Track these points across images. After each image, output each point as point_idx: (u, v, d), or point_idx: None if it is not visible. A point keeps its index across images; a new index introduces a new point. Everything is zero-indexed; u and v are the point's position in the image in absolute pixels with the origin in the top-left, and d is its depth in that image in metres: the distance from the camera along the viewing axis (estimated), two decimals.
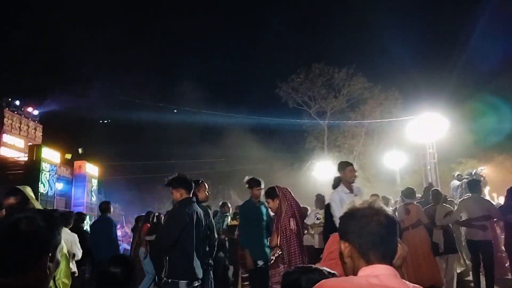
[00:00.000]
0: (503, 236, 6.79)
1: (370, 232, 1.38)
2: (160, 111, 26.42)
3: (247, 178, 5.32)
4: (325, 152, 26.62)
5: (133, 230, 9.12)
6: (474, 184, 6.60)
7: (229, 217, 7.87)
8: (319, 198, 7.53)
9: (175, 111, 24.55)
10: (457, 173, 11.57)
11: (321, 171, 24.19)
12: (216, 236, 5.02)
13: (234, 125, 26.26)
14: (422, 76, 24.23)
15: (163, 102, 29.30)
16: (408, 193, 6.92)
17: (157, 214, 8.36)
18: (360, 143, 26.07)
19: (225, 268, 7.70)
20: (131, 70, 32.50)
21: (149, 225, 7.93)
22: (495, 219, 6.56)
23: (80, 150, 20.73)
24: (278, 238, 4.45)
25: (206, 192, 4.84)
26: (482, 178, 9.76)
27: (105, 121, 31.81)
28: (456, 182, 10.46)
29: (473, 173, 10.50)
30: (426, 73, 24.54)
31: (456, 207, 6.69)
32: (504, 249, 6.63)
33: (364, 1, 34.13)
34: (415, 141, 17.22)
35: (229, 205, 8.44)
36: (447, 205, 7.00)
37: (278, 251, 4.46)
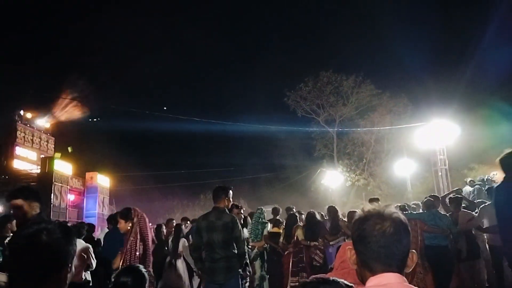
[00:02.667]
0: None
1: (372, 240, 1.34)
2: (169, 121, 26.62)
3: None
4: (334, 160, 26.55)
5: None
6: (427, 203, 6.62)
7: (269, 224, 7.68)
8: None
9: (184, 118, 24.71)
10: (469, 179, 11.45)
11: (331, 178, 24.12)
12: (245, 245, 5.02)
13: (243, 135, 26.37)
14: (431, 82, 24.14)
15: (172, 112, 29.51)
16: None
17: (155, 226, 8.41)
18: (369, 150, 25.95)
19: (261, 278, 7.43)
20: (140, 80, 32.85)
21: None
22: None
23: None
24: (121, 260, 4.31)
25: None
26: (494, 184, 9.65)
27: (115, 131, 32.14)
28: (468, 188, 10.34)
29: (485, 179, 10.39)
30: (435, 79, 24.43)
31: (477, 214, 6.66)
32: None
33: (371, 8, 34.19)
34: (425, 147, 17.10)
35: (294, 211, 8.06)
36: (468, 211, 6.98)
37: None
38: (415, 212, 7.01)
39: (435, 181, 16.23)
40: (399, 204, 8.03)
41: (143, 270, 2.55)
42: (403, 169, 20.14)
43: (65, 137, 23.51)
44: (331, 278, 1.85)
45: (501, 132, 21.57)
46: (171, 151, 28.07)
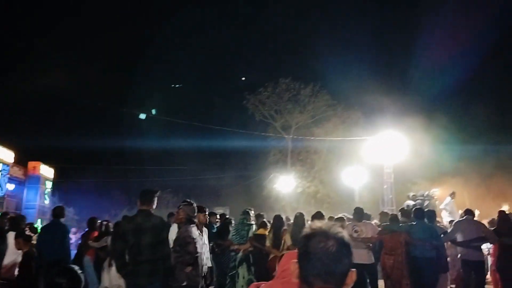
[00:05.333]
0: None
1: (315, 258, 1.38)
2: (125, 116, 25.89)
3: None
4: (288, 165, 26.96)
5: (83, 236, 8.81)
6: (419, 212, 6.95)
7: (254, 226, 7.58)
8: (358, 211, 7.40)
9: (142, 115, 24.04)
10: (411, 193, 12.05)
11: (284, 184, 24.50)
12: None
13: (198, 135, 26.09)
14: (382, 98, 25.15)
15: (128, 107, 28.68)
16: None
17: (105, 222, 8.16)
18: (321, 158, 26.61)
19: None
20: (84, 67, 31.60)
21: (97, 232, 7.70)
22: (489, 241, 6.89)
23: None
24: None
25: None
26: (433, 200, 10.24)
27: (64, 121, 30.73)
28: (410, 202, 10.88)
29: (425, 195, 10.99)
30: (386, 95, 25.49)
31: (452, 228, 7.01)
32: (494, 268, 6.98)
33: (332, 21, 35.17)
34: (373, 160, 17.80)
35: (252, 214, 7.97)
36: (441, 225, 7.39)
37: None
38: (402, 225, 7.15)
39: (381, 193, 16.92)
40: (392, 213, 8.03)
41: (79, 271, 2.46)
42: (352, 179, 20.82)
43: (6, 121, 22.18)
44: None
45: (444, 150, 22.91)
46: (123, 146, 27.17)
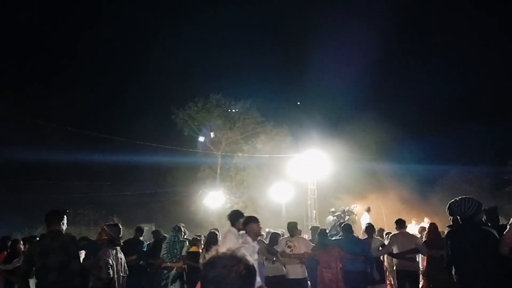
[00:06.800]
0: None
1: (229, 283, 1.36)
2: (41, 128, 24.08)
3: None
4: (217, 181, 26.93)
5: None
6: (346, 228, 7.30)
7: (187, 242, 7.29)
8: (291, 226, 7.29)
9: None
10: (332, 209, 12.70)
11: (213, 199, 24.39)
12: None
13: (122, 149, 25.17)
14: (308, 117, 26.44)
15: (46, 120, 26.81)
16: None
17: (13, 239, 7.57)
18: (250, 175, 26.98)
19: None
20: None
21: (5, 252, 7.11)
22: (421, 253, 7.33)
23: None
24: None
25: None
26: (354, 215, 10.90)
27: None
28: (330, 218, 11.45)
29: (345, 210, 11.65)
30: (311, 115, 26.84)
31: (388, 241, 7.40)
32: (424, 277, 7.43)
33: (264, 40, 36.35)
34: (298, 177, 18.53)
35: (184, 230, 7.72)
36: (380, 239, 7.76)
37: None
38: (333, 239, 7.32)
39: (305, 209, 17.59)
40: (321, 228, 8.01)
41: None
42: (279, 195, 21.37)
43: None
44: None
45: (365, 167, 24.50)
46: (39, 160, 25.19)
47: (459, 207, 3.79)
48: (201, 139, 26.39)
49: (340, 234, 7.37)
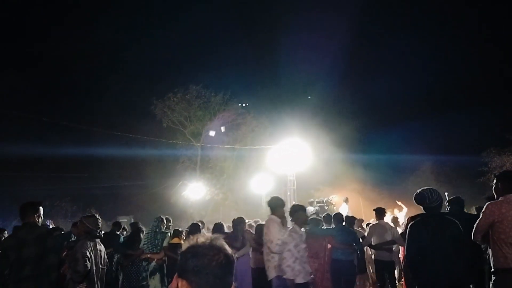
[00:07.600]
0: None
1: (210, 272, 1.37)
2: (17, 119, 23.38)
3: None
4: (197, 173, 26.80)
5: None
6: (338, 217, 7.32)
7: (169, 234, 7.11)
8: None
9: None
10: (312, 199, 12.83)
11: (193, 191, 24.28)
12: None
13: (100, 140, 24.73)
14: (287, 108, 26.51)
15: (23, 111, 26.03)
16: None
17: None
18: (231, 166, 26.94)
19: None
20: None
21: None
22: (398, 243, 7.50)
23: None
24: None
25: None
26: (332, 205, 11.03)
27: None
28: (310, 208, 11.57)
29: (324, 201, 11.79)
30: (291, 106, 26.92)
31: (367, 232, 7.54)
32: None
33: (240, 33, 36.15)
34: (277, 168, 18.62)
35: (166, 221, 7.56)
36: (360, 230, 7.88)
37: None
38: (325, 228, 7.31)
39: (285, 199, 17.69)
40: (318, 217, 7.99)
41: None
42: (259, 186, 21.45)
43: None
44: None
45: (343, 158, 24.82)
46: (13, 152, 24.48)
47: (428, 196, 3.83)
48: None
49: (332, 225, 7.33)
